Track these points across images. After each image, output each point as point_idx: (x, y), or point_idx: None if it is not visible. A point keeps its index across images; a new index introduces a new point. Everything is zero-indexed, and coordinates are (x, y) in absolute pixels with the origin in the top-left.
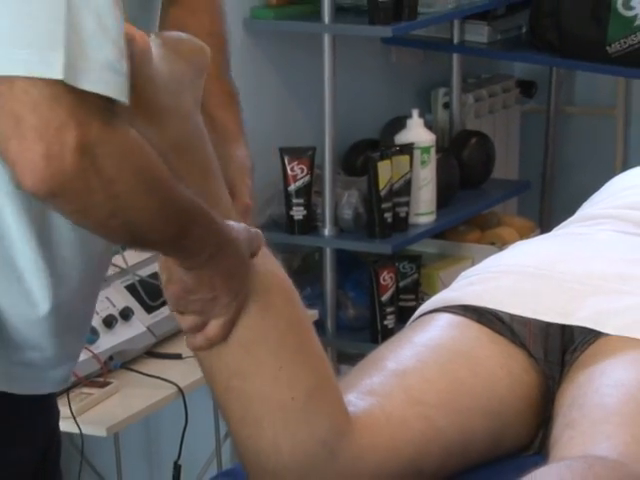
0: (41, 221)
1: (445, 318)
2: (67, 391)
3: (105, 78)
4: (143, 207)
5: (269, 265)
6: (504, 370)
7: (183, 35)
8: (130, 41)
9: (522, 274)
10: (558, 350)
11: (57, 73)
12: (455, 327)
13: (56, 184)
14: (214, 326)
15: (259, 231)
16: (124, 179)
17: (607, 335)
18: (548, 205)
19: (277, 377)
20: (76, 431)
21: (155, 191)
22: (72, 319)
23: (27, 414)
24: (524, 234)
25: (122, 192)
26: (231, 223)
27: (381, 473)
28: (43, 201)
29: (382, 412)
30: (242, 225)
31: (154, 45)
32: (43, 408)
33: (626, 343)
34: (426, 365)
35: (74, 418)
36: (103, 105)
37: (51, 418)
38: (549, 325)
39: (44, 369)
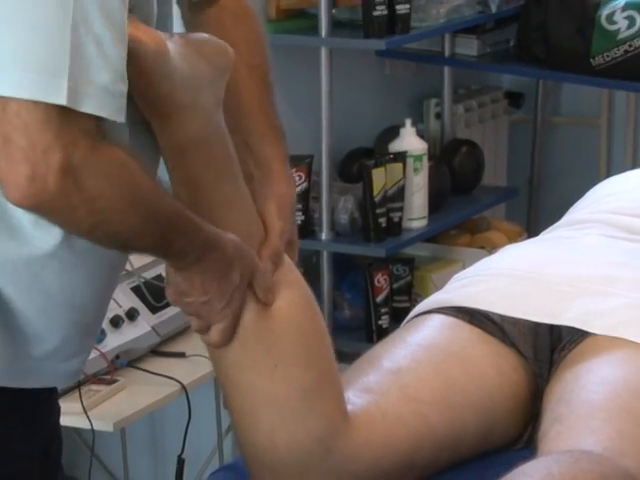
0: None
1: (438, 319)
2: (79, 387)
3: (103, 101)
4: (125, 222)
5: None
6: (494, 369)
7: (206, 36)
8: (138, 45)
9: (512, 277)
10: (547, 349)
11: (61, 98)
12: (448, 328)
13: (38, 202)
14: (215, 331)
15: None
16: (106, 197)
17: (594, 335)
18: (535, 210)
19: (272, 374)
20: (85, 426)
21: (138, 208)
22: (85, 316)
23: (28, 411)
24: (512, 238)
25: (104, 209)
26: (222, 233)
27: (376, 468)
28: (28, 212)
29: (378, 409)
30: (238, 244)
31: (175, 44)
32: (43, 405)
33: (612, 342)
34: (420, 364)
35: (86, 413)
36: (91, 128)
37: (51, 415)
38: (538, 325)
39: (57, 361)
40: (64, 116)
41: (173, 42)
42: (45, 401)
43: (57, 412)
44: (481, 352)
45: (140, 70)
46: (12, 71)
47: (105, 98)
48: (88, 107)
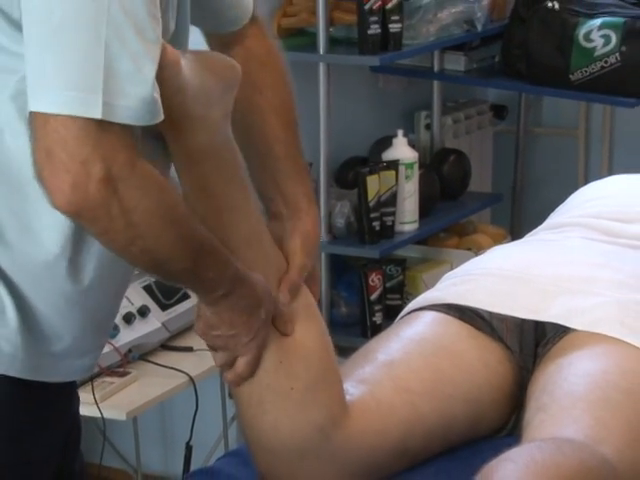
0: (78, 235)
1: (430, 315)
2: (92, 380)
3: (139, 111)
4: (160, 237)
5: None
6: (481, 362)
7: (215, 53)
8: (162, 52)
9: (499, 276)
10: (532, 344)
11: (96, 112)
12: (439, 323)
13: (80, 209)
14: (241, 363)
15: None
16: (142, 210)
17: (575, 330)
18: (518, 215)
19: (277, 369)
20: (99, 415)
21: (172, 224)
22: (99, 315)
23: (51, 402)
24: (497, 241)
25: (140, 221)
26: (250, 272)
27: (371, 455)
28: (71, 220)
29: (372, 399)
30: (265, 284)
31: (187, 60)
32: (64, 396)
33: (592, 338)
34: (412, 357)
35: (97, 404)
36: (129, 142)
37: (72, 405)
38: (524, 321)
39: (72, 358)
40: (102, 130)
41: (185, 58)
42: (66, 392)
43: (77, 402)
44: (469, 346)
45: (157, 81)
46: (51, 89)
47: (142, 108)
48: (124, 118)
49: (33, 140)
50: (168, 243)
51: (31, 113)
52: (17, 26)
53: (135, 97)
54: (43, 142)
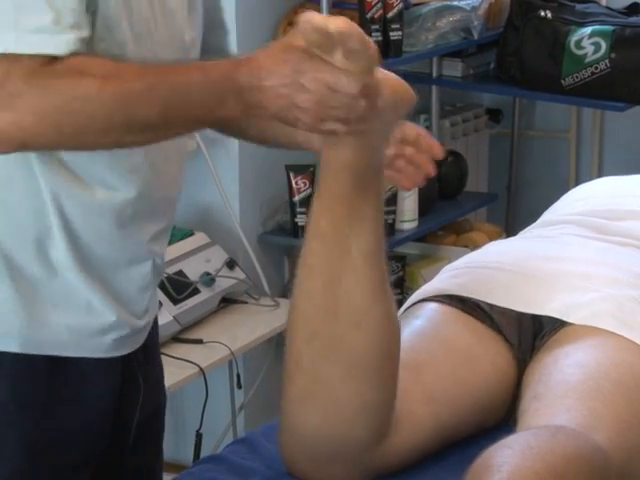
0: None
1: (435, 306)
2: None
3: (42, 41)
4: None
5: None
6: (494, 367)
7: (399, 78)
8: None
9: (498, 270)
10: (530, 336)
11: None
12: (447, 319)
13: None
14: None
15: None
16: (47, 116)
17: (571, 324)
18: (513, 213)
19: (344, 379)
20: None
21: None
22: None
23: (89, 375)
24: (493, 238)
25: (64, 124)
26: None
27: (392, 462)
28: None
29: (407, 414)
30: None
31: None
32: (101, 370)
33: (587, 331)
34: (433, 361)
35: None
36: (38, 61)
37: (109, 379)
38: (522, 315)
39: (138, 330)
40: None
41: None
42: (101, 367)
43: (138, 387)
44: (484, 350)
45: None
46: None
47: (39, 37)
48: (29, 49)
49: None
50: (105, 113)
51: None
52: None
53: (37, 28)
54: None
